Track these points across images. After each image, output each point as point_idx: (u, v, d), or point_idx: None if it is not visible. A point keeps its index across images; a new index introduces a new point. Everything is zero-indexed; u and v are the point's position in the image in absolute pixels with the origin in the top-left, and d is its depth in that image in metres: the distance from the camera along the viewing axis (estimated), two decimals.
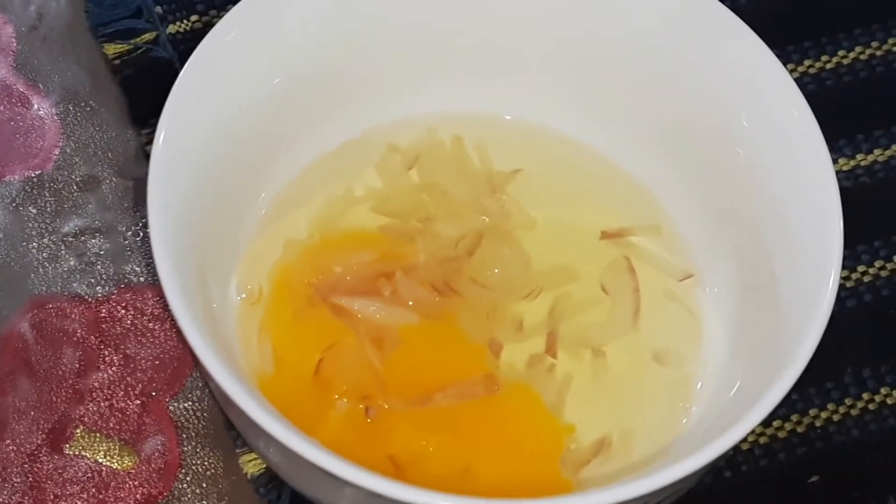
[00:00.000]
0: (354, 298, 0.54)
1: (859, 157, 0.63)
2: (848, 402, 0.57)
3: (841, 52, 0.65)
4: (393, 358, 0.53)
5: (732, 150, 0.54)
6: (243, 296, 0.54)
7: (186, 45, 0.63)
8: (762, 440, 0.56)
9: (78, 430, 0.55)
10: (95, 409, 0.56)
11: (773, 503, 0.56)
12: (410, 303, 0.54)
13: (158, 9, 0.64)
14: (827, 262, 0.48)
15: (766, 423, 0.57)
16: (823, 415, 0.57)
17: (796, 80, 0.53)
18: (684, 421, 0.53)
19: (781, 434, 0.57)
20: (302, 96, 0.56)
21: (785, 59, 0.63)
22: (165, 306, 0.58)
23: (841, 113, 0.63)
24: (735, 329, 0.54)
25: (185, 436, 0.55)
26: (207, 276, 0.51)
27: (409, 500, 0.43)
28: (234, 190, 0.54)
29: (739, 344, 0.53)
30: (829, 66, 0.65)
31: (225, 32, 0.52)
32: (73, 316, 0.57)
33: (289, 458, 0.46)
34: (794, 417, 0.57)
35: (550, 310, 0.55)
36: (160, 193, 0.49)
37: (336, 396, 0.52)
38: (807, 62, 0.64)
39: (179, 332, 0.55)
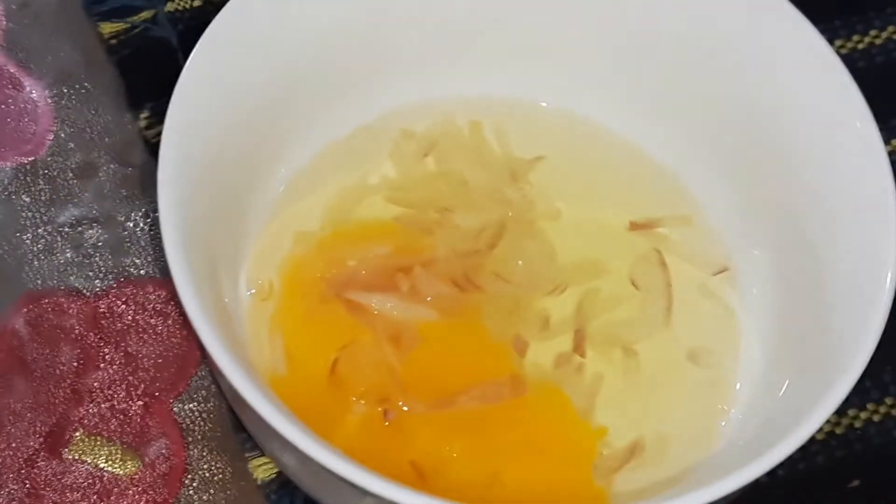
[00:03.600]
0: (371, 294, 0.51)
1: (894, 142, 0.60)
2: (889, 401, 0.55)
3: (873, 32, 0.62)
4: (412, 357, 0.51)
5: (772, 138, 0.52)
6: (253, 291, 0.51)
7: (186, 23, 0.60)
8: None
9: (77, 433, 0.52)
10: (96, 410, 0.53)
11: None
12: (429, 299, 0.52)
13: None
14: (881, 258, 0.45)
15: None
16: (863, 415, 0.55)
17: (844, 56, 0.50)
18: (722, 424, 0.50)
19: (819, 436, 0.54)
20: (314, 79, 0.54)
21: (831, 34, 0.60)
22: (168, 301, 0.55)
23: (889, 93, 0.59)
24: (775, 327, 0.51)
25: (190, 439, 0.53)
26: (218, 269, 0.49)
27: None
28: (243, 178, 0.52)
29: (780, 343, 0.51)
30: (860, 45, 0.62)
31: (235, 14, 0.49)
32: (70, 311, 0.54)
33: (304, 463, 0.44)
34: (833, 418, 0.54)
35: (578, 306, 0.52)
36: (170, 184, 0.46)
37: (353, 398, 0.49)
38: (855, 37, 0.61)
39: (188, 329, 0.52)
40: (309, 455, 0.41)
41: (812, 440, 0.52)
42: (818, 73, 0.50)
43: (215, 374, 0.51)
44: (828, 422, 0.52)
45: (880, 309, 0.44)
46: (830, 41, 0.50)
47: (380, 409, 0.50)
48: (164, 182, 0.46)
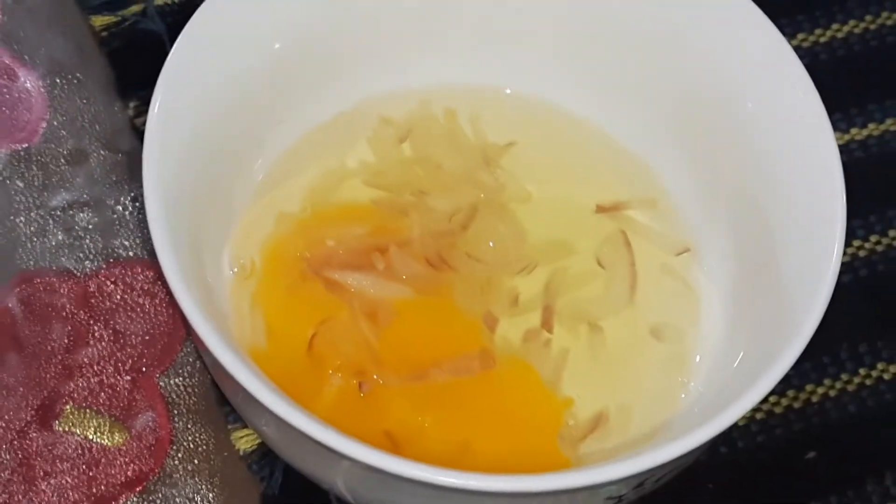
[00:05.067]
0: (348, 272, 0.53)
1: (854, 131, 0.62)
2: (844, 377, 0.57)
3: (835, 26, 0.64)
4: (387, 333, 0.53)
5: (731, 124, 0.54)
6: (236, 269, 0.53)
7: (175, 17, 0.62)
8: (759, 416, 0.56)
9: (67, 407, 0.54)
10: (85, 384, 0.55)
11: (770, 479, 0.55)
12: (404, 277, 0.54)
13: None
14: (830, 234, 0.48)
15: (762, 399, 0.56)
16: (820, 390, 0.57)
17: (806, 50, 0.52)
18: (683, 396, 0.52)
19: (778, 410, 0.56)
20: (295, 67, 0.55)
21: (794, 28, 0.63)
22: (155, 280, 0.57)
23: (835, 87, 0.61)
24: (733, 303, 0.53)
25: (175, 412, 0.55)
26: (201, 248, 0.51)
27: (408, 475, 0.42)
28: (226, 162, 0.54)
29: (738, 318, 0.53)
30: (822, 39, 0.64)
31: (218, 5, 0.51)
32: (61, 291, 0.57)
33: (284, 431, 0.46)
34: (791, 393, 0.56)
35: (546, 284, 0.55)
36: (155, 164, 0.48)
37: (330, 371, 0.51)
38: (800, 35, 0.64)
39: (173, 304, 0.54)
40: (288, 422, 0.43)
41: (771, 414, 0.55)
42: (777, 68, 0.52)
43: (199, 349, 0.53)
44: (786, 396, 0.55)
45: (827, 280, 0.47)
46: (794, 34, 0.52)
47: (355, 381, 0.51)
48: (148, 164, 0.48)
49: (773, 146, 0.52)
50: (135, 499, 0.53)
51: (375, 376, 0.52)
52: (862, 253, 0.60)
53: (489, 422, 0.52)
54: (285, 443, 0.49)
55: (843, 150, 0.60)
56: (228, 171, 0.54)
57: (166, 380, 0.55)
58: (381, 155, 0.57)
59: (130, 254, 0.58)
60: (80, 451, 0.54)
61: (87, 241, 0.58)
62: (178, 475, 0.54)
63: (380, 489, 0.46)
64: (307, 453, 0.48)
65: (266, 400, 0.43)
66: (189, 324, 0.46)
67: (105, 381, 0.55)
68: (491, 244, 0.55)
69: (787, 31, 0.64)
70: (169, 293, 0.55)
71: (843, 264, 0.57)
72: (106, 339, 0.56)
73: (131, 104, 0.61)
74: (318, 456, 0.46)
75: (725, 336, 0.53)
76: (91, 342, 0.56)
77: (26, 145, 0.60)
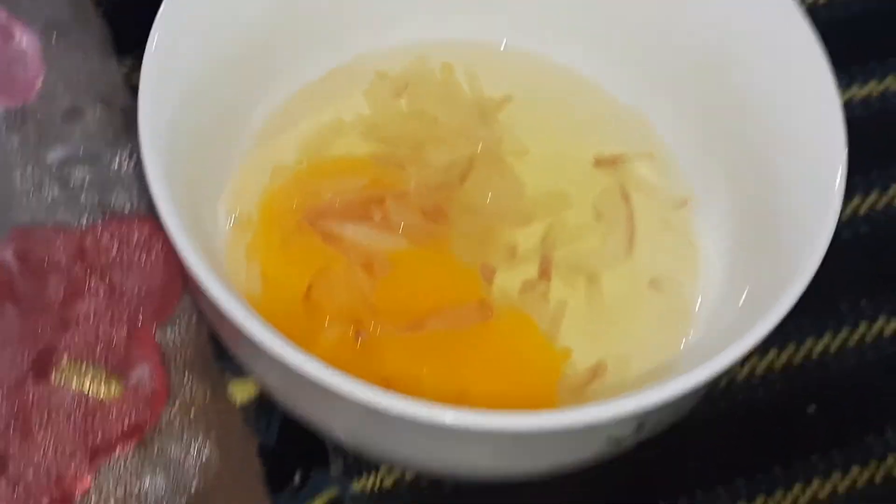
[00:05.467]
0: (344, 223, 0.53)
1: (855, 88, 0.62)
2: (845, 332, 0.57)
3: None
4: (383, 284, 0.52)
5: (729, 74, 0.53)
6: (231, 221, 0.53)
7: None
8: (758, 370, 0.56)
9: (63, 359, 0.54)
10: (81, 337, 0.54)
11: (770, 433, 0.55)
12: (401, 228, 0.53)
13: None
14: (830, 177, 0.47)
15: (761, 353, 0.56)
16: (820, 345, 0.56)
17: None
18: (682, 347, 0.52)
19: (777, 364, 0.56)
20: (291, 21, 0.55)
21: None
22: (151, 235, 0.57)
23: (836, 45, 0.61)
24: (733, 255, 0.53)
25: (172, 365, 0.55)
26: (197, 200, 0.50)
27: (408, 413, 0.42)
28: (222, 114, 0.53)
29: (737, 270, 0.52)
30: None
31: None
32: (57, 245, 0.56)
33: (284, 375, 0.45)
34: (791, 348, 0.56)
35: (544, 236, 0.54)
36: (150, 116, 0.48)
37: (326, 321, 0.51)
38: None
39: (170, 258, 0.54)
40: (289, 364, 0.43)
41: (771, 369, 0.54)
42: (776, 16, 0.52)
43: (197, 300, 0.53)
44: (786, 351, 0.54)
45: (828, 224, 0.46)
46: None
47: (352, 331, 0.51)
48: (143, 115, 0.47)
49: (773, 96, 0.52)
50: (131, 450, 0.53)
51: (372, 326, 0.51)
52: (862, 210, 0.59)
53: (487, 371, 0.51)
54: (285, 388, 0.48)
55: (844, 107, 0.60)
56: (224, 123, 0.54)
57: (163, 333, 0.55)
58: (377, 109, 0.57)
59: (127, 209, 0.58)
60: (76, 404, 0.53)
61: (84, 196, 0.58)
62: (174, 427, 0.53)
63: (380, 433, 0.46)
64: (307, 397, 0.47)
65: (267, 343, 0.43)
66: (188, 274, 0.45)
67: (101, 334, 0.55)
68: (488, 197, 0.55)
69: None
70: (166, 246, 0.55)
71: (843, 221, 0.57)
72: (102, 293, 0.55)
73: (127, 61, 0.60)
74: (318, 399, 0.46)
75: (725, 287, 0.53)
76: (87, 296, 0.55)
77: (22, 103, 0.60)
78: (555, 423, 0.42)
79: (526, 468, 0.48)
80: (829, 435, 0.55)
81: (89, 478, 0.52)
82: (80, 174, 0.58)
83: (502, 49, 0.59)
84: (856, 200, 0.60)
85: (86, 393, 0.54)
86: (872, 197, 0.60)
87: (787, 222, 0.49)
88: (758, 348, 0.53)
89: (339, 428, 0.48)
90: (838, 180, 0.47)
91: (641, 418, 0.45)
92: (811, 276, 0.45)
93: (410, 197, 0.54)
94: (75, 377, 0.54)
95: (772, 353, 0.56)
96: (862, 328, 0.57)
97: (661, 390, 0.43)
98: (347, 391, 0.42)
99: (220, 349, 0.54)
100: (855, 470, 0.54)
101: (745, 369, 0.55)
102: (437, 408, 0.42)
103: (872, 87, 0.62)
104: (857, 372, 0.56)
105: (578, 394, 0.51)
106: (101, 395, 0.54)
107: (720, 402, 0.55)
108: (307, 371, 0.42)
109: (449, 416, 0.42)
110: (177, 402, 0.54)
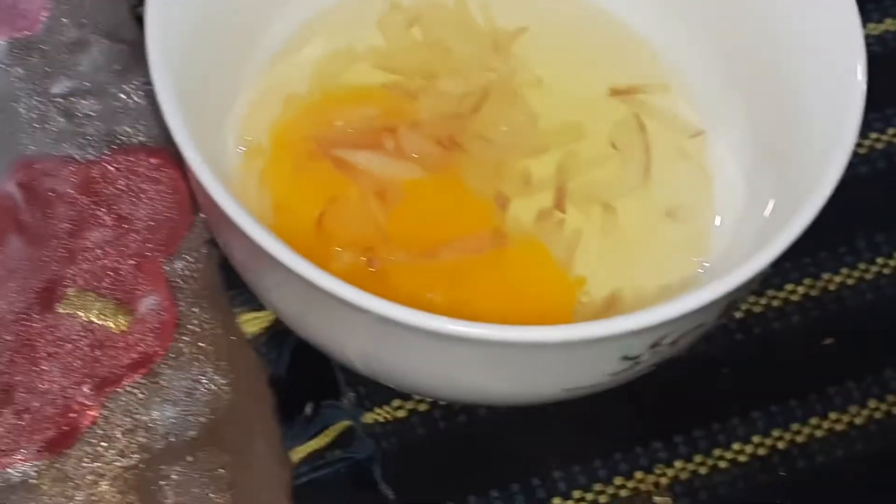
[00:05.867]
0: (357, 151, 0.52)
1: (870, 26, 0.62)
2: (862, 266, 0.56)
3: None
4: (397, 212, 0.52)
5: (746, 3, 0.52)
6: (243, 149, 0.52)
7: None
8: (775, 303, 0.55)
9: (70, 290, 0.53)
10: (88, 268, 0.54)
11: (787, 364, 0.54)
12: (414, 156, 0.53)
13: None
14: (851, 102, 0.46)
15: (778, 286, 0.55)
16: (837, 279, 0.56)
17: None
18: (698, 274, 0.51)
19: (794, 298, 0.55)
20: None
21: None
22: (159, 167, 0.56)
23: None
24: (749, 183, 0.52)
25: (181, 296, 0.54)
26: (208, 127, 0.49)
27: (426, 326, 0.41)
28: (233, 41, 0.53)
29: (754, 197, 0.52)
30: None
31: None
32: (63, 176, 0.56)
33: (299, 294, 0.45)
34: (808, 281, 0.55)
35: (559, 166, 0.54)
36: (159, 38, 0.47)
37: (338, 248, 0.50)
38: None
39: (179, 185, 0.53)
40: (304, 277, 0.42)
41: (788, 301, 0.54)
42: None
43: (210, 223, 0.52)
44: (802, 285, 0.54)
45: (846, 146, 0.45)
46: None
47: (364, 258, 0.50)
48: (153, 40, 0.46)
49: (791, 21, 0.51)
50: (140, 380, 0.52)
51: (384, 254, 0.50)
52: (879, 145, 0.59)
53: (501, 299, 0.51)
54: (299, 309, 0.47)
55: None
56: (235, 50, 0.53)
57: (171, 265, 0.54)
58: (390, 39, 0.56)
59: (134, 141, 0.57)
60: (83, 334, 0.53)
61: (90, 127, 0.57)
62: (184, 358, 0.53)
63: (394, 353, 0.45)
64: (322, 318, 0.46)
65: (285, 258, 0.42)
66: (202, 199, 0.45)
67: (108, 264, 0.54)
68: (502, 127, 0.54)
69: None
70: (175, 177, 0.54)
71: (859, 156, 0.57)
72: (109, 224, 0.55)
73: None
74: (333, 319, 0.45)
75: (741, 215, 0.52)
76: (94, 227, 0.55)
77: (28, 33, 0.59)
78: (567, 336, 0.41)
79: (539, 391, 0.47)
80: (845, 368, 0.54)
81: (96, 408, 0.51)
82: (86, 106, 0.57)
83: None
84: (872, 136, 0.59)
85: (93, 323, 0.53)
86: (890, 132, 0.59)
87: (805, 142, 0.48)
88: (774, 281, 0.53)
89: (353, 351, 0.47)
90: (859, 75, 0.46)
91: (656, 336, 0.44)
92: (828, 194, 0.44)
93: (423, 126, 0.53)
94: (82, 308, 0.53)
95: (788, 287, 0.55)
96: (879, 262, 0.56)
97: (676, 305, 0.42)
98: (362, 303, 0.41)
99: (230, 280, 0.54)
100: (872, 402, 0.53)
101: (762, 301, 0.55)
102: (450, 320, 0.41)
103: (889, 24, 0.61)
104: (873, 305, 0.56)
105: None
106: (109, 326, 0.53)
107: (736, 334, 0.54)
108: (322, 284, 0.41)
109: (461, 327, 0.41)
110: (186, 333, 0.53)
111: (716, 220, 0.53)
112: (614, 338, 0.42)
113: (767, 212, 0.49)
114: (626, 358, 0.44)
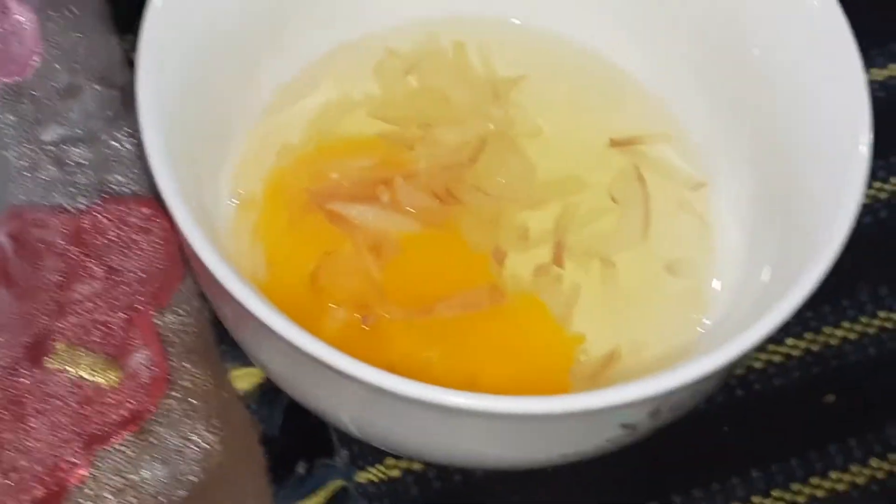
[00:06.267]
0: (352, 205, 0.51)
1: (874, 71, 0.61)
2: (864, 320, 0.55)
3: None
4: (392, 266, 0.51)
5: (748, 52, 0.52)
6: (236, 201, 0.52)
7: None
8: (776, 359, 0.54)
9: (59, 344, 0.52)
10: (78, 322, 0.53)
11: (787, 422, 0.53)
12: (410, 210, 0.52)
13: None
14: (855, 157, 0.46)
15: (779, 341, 0.54)
16: (839, 333, 0.55)
17: None
18: (698, 332, 0.50)
19: (796, 353, 0.54)
20: None
21: None
22: (151, 217, 0.55)
23: (853, 27, 0.60)
24: (751, 238, 0.52)
25: (172, 350, 0.53)
26: (200, 179, 0.49)
27: (417, 396, 0.40)
28: (226, 91, 0.52)
29: (756, 253, 0.51)
30: None
31: None
32: (53, 226, 0.54)
33: (291, 358, 0.44)
34: (809, 336, 0.55)
35: (557, 219, 0.53)
36: (149, 87, 0.46)
37: (332, 305, 0.49)
38: None
39: (171, 240, 0.53)
40: (297, 346, 0.41)
41: (789, 357, 0.53)
42: None
43: (201, 281, 0.51)
44: (804, 339, 0.53)
45: (851, 206, 0.45)
46: None
47: (358, 314, 0.49)
48: (143, 90, 0.46)
49: (794, 74, 0.50)
50: (130, 438, 0.51)
51: (379, 310, 0.49)
52: (882, 195, 0.58)
53: (498, 357, 0.50)
54: (291, 372, 0.47)
55: None
56: (228, 99, 0.52)
57: (162, 318, 0.53)
58: (386, 87, 0.55)
59: (125, 190, 0.56)
60: (72, 390, 0.52)
61: (81, 176, 0.56)
62: (174, 415, 0.52)
63: (388, 419, 0.44)
64: (313, 382, 0.46)
65: (274, 323, 0.41)
66: (191, 254, 0.44)
67: (98, 318, 0.53)
68: (500, 178, 0.53)
69: None
70: (166, 229, 0.53)
71: (863, 206, 0.55)
72: (100, 276, 0.54)
73: (126, 38, 0.59)
74: (324, 384, 0.44)
75: (743, 271, 0.51)
76: (84, 279, 0.54)
77: (18, 79, 0.58)
78: (565, 407, 0.41)
79: (536, 456, 0.46)
80: (847, 425, 0.53)
81: (85, 466, 0.50)
82: (77, 154, 0.57)
83: (515, 26, 0.57)
84: (876, 185, 0.58)
85: (82, 378, 0.52)
86: (893, 182, 0.58)
87: (808, 203, 0.48)
88: (775, 336, 0.52)
89: (345, 414, 0.46)
90: (864, 147, 0.45)
91: (655, 404, 0.43)
92: (833, 258, 0.43)
93: (420, 177, 0.53)
94: (71, 363, 0.52)
95: (789, 342, 0.54)
96: (881, 316, 0.55)
97: (675, 375, 0.41)
98: (354, 372, 0.40)
99: (222, 335, 0.53)
100: (874, 461, 0.53)
101: (763, 357, 0.54)
102: (445, 391, 0.40)
103: (892, 70, 0.60)
104: (875, 361, 0.55)
105: (592, 381, 0.50)
106: (99, 381, 0.52)
107: (736, 391, 0.54)
108: (313, 352, 0.41)
109: (457, 398, 0.40)
110: (177, 390, 0.52)
111: (716, 278, 0.51)
112: (612, 409, 0.41)
113: (768, 273, 0.48)
114: (624, 426, 0.43)
